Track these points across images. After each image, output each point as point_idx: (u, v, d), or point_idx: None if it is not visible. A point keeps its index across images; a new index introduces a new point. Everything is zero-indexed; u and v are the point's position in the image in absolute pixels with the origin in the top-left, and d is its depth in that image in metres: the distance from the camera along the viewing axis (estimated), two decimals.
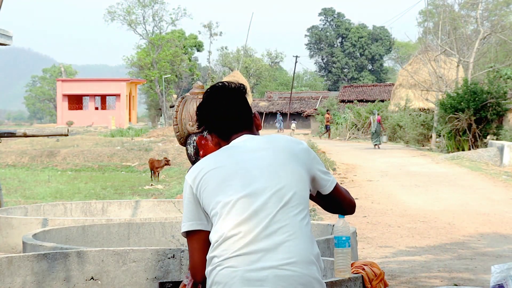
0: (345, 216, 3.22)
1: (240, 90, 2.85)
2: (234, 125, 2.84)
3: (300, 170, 2.73)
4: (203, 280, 2.70)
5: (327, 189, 2.83)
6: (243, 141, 2.80)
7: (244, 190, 2.64)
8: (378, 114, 33.37)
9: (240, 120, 2.84)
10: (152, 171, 23.34)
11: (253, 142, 2.79)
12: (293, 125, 51.43)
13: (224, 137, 2.85)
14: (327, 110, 46.64)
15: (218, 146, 2.87)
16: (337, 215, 3.21)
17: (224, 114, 2.82)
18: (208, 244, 2.70)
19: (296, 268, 2.59)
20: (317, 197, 2.88)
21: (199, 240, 2.72)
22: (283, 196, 2.65)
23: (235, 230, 2.59)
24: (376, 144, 31.83)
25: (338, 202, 2.90)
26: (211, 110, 2.83)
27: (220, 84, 2.86)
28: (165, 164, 23.22)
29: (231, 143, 2.81)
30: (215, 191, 2.68)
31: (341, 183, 18.95)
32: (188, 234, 2.75)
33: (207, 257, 2.67)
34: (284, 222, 2.62)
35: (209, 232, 2.71)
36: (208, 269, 2.65)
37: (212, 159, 2.75)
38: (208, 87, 2.89)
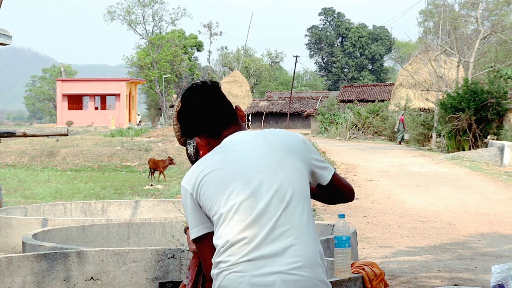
0: (345, 216, 3.22)
1: (216, 85, 2.83)
2: (222, 120, 2.78)
3: (299, 165, 2.70)
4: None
5: (326, 179, 2.81)
6: (236, 138, 2.75)
7: (245, 193, 2.61)
8: (402, 115, 36.38)
9: (226, 115, 2.79)
10: (153, 170, 23.31)
11: (247, 139, 2.74)
12: None
13: (215, 135, 2.79)
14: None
15: (208, 147, 2.80)
16: (337, 215, 3.21)
17: (210, 111, 2.78)
18: None
19: (303, 272, 2.57)
20: (317, 189, 2.86)
21: (210, 243, 2.68)
22: (284, 196, 2.63)
23: (240, 235, 2.57)
24: (399, 141, 35.55)
25: (338, 190, 2.88)
26: (195, 110, 2.78)
27: (194, 85, 2.83)
28: (170, 163, 23.19)
29: (224, 141, 2.76)
30: (215, 195, 2.64)
31: None
32: (198, 240, 2.72)
33: (213, 261, 2.64)
34: (288, 225, 2.60)
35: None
36: (214, 271, 2.63)
37: (208, 161, 2.70)
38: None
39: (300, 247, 2.59)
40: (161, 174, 23.28)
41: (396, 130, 36.68)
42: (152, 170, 23.39)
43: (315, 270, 2.61)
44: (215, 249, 2.64)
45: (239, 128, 2.82)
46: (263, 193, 2.62)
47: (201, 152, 3.21)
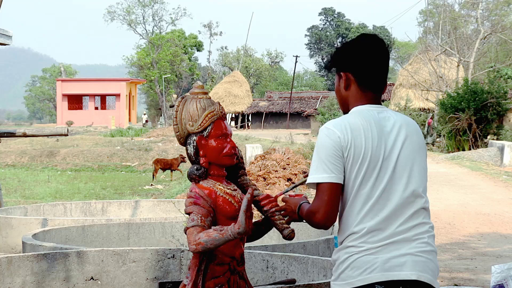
0: None
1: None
2: (385, 81, 2.96)
3: (425, 165, 2.94)
4: (329, 226, 2.86)
5: None
6: (386, 118, 2.88)
7: (387, 184, 2.78)
8: (431, 117, 35.60)
9: (385, 77, 2.97)
10: (164, 169, 23.16)
11: (396, 123, 2.88)
12: None
13: (376, 88, 2.93)
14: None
15: (345, 90, 2.93)
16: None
17: (387, 63, 2.96)
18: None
19: (429, 256, 2.83)
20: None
21: (337, 192, 2.80)
22: (417, 196, 2.84)
23: (377, 225, 2.76)
24: (427, 143, 34.49)
25: None
26: (380, 54, 2.92)
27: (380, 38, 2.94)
28: (182, 161, 23.00)
29: (376, 116, 2.86)
30: (359, 167, 2.78)
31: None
32: (322, 184, 2.79)
33: (343, 242, 2.81)
34: (418, 221, 2.83)
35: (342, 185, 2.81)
36: (341, 252, 2.80)
37: (360, 124, 2.81)
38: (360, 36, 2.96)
39: (427, 238, 2.84)
40: (175, 171, 23.17)
41: (424, 133, 35.48)
42: (162, 169, 23.22)
43: (436, 257, 2.89)
44: (339, 198, 2.80)
45: (379, 100, 2.98)
46: (401, 191, 2.81)
47: (201, 152, 3.21)
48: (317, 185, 2.82)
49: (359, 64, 2.92)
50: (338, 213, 2.85)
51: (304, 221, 3.04)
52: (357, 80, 2.92)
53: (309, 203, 3.04)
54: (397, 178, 2.82)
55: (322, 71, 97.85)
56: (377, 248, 2.75)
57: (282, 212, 3.17)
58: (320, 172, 2.78)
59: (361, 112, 2.88)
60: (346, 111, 2.98)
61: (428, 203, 2.90)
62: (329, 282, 4.55)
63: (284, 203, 3.18)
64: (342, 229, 2.85)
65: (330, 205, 2.78)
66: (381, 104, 2.97)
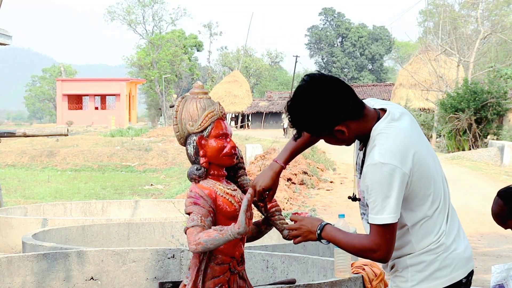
0: (345, 216, 3.22)
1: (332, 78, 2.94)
2: (358, 100, 2.88)
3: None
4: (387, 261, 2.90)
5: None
6: (410, 123, 2.86)
7: (442, 189, 2.91)
8: None
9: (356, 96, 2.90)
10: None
11: (413, 120, 2.91)
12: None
13: (360, 115, 2.83)
14: None
15: (353, 135, 2.85)
16: (337, 215, 3.21)
17: (347, 89, 2.82)
18: None
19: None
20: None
21: (396, 227, 2.81)
22: (449, 199, 2.97)
23: (442, 229, 2.87)
24: None
25: None
26: (343, 92, 2.80)
27: (307, 78, 2.82)
28: None
29: (404, 122, 2.84)
30: (426, 180, 2.83)
31: (341, 183, 18.95)
32: (390, 226, 2.79)
33: (427, 248, 2.86)
34: (456, 223, 2.97)
35: None
36: (424, 255, 2.86)
37: (409, 139, 2.80)
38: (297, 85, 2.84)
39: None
40: None
41: None
42: None
43: None
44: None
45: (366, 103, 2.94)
46: (446, 191, 2.97)
47: (201, 152, 3.21)
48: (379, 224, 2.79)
49: (343, 107, 2.79)
50: (414, 227, 2.89)
51: (325, 242, 2.98)
52: (352, 118, 2.82)
53: (331, 224, 2.97)
54: (438, 170, 2.94)
55: (322, 71, 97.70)
56: (453, 244, 2.88)
57: (293, 231, 3.04)
58: (386, 213, 2.74)
59: (393, 128, 2.81)
60: (365, 138, 2.88)
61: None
62: (329, 282, 4.55)
63: (294, 222, 3.04)
64: (419, 236, 2.88)
65: (392, 242, 2.80)
66: (375, 108, 2.91)
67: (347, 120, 2.80)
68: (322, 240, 2.97)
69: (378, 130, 2.81)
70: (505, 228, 4.25)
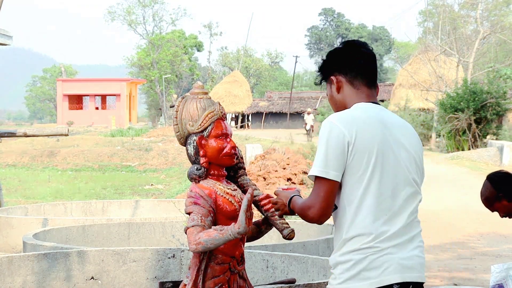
0: None
1: None
2: (371, 73, 2.98)
3: (422, 165, 3.02)
4: (322, 222, 2.85)
5: None
6: (388, 115, 2.91)
7: (393, 180, 2.81)
8: None
9: (375, 72, 3.01)
10: None
11: (397, 122, 2.93)
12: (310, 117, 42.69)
13: (369, 82, 2.96)
14: None
15: (338, 93, 2.95)
16: None
17: (374, 61, 3.00)
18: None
19: (423, 255, 2.99)
20: None
21: (334, 190, 2.79)
22: (417, 193, 2.92)
23: (387, 225, 2.79)
24: None
25: None
26: (365, 52, 2.96)
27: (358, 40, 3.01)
28: None
29: (379, 113, 2.88)
30: (367, 162, 2.77)
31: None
32: (320, 179, 2.78)
33: (349, 242, 2.79)
34: (414, 218, 2.92)
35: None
36: (353, 254, 2.78)
37: (365, 118, 2.82)
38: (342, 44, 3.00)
39: (420, 235, 2.96)
40: None
41: None
42: None
43: None
44: (335, 194, 2.79)
45: (376, 98, 3.02)
46: (401, 192, 2.86)
47: (201, 152, 3.23)
48: (315, 180, 2.80)
49: (346, 62, 2.95)
50: (340, 211, 2.82)
51: (295, 214, 3.03)
52: (349, 79, 2.94)
53: (300, 196, 3.02)
54: (401, 174, 2.83)
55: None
56: (389, 248, 2.77)
57: (275, 205, 3.16)
58: (321, 167, 2.76)
59: (365, 108, 2.88)
60: None
61: (421, 201, 2.95)
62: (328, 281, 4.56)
63: (276, 196, 3.17)
64: (347, 228, 2.80)
65: (326, 201, 2.77)
66: (379, 104, 2.97)
67: (342, 75, 2.95)
68: (294, 213, 3.05)
69: (356, 105, 2.92)
70: (492, 211, 4.33)
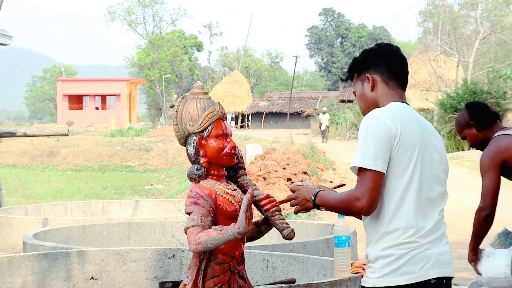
0: (345, 216, 3.22)
1: None
2: (405, 76, 3.06)
3: (447, 167, 3.10)
4: (370, 214, 2.87)
5: None
6: (419, 116, 2.98)
7: (429, 179, 2.90)
8: None
9: (407, 76, 3.07)
10: None
11: (427, 122, 3.02)
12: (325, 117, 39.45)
13: (402, 85, 3.02)
14: None
15: (371, 90, 3.01)
16: (337, 215, 3.22)
17: (407, 65, 3.07)
18: None
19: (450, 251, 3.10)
20: None
21: (381, 181, 2.82)
22: (445, 194, 3.07)
23: (425, 221, 2.89)
24: None
25: None
26: (400, 56, 3.04)
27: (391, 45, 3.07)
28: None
29: (414, 113, 2.96)
30: (410, 156, 2.85)
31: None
32: (368, 171, 2.82)
33: (387, 236, 2.84)
34: (442, 217, 3.04)
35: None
36: (394, 248, 2.82)
37: (406, 115, 2.90)
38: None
39: (446, 233, 3.06)
40: None
41: None
42: None
43: None
44: (381, 185, 2.83)
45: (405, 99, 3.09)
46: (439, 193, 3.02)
47: (201, 152, 3.23)
48: (361, 172, 2.83)
49: (383, 62, 3.01)
50: (380, 203, 2.86)
51: (322, 209, 3.04)
52: (384, 79, 3.00)
53: (324, 190, 3.05)
54: (435, 173, 2.93)
55: (322, 71, 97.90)
56: (427, 243, 2.84)
57: (292, 201, 3.16)
58: (368, 159, 2.80)
59: (403, 107, 2.95)
60: None
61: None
62: (329, 281, 4.57)
63: (293, 193, 3.16)
64: (389, 221, 2.84)
65: (375, 192, 2.80)
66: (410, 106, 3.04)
67: (378, 74, 3.01)
68: (319, 207, 3.05)
69: (393, 103, 2.98)
70: (461, 138, 4.55)
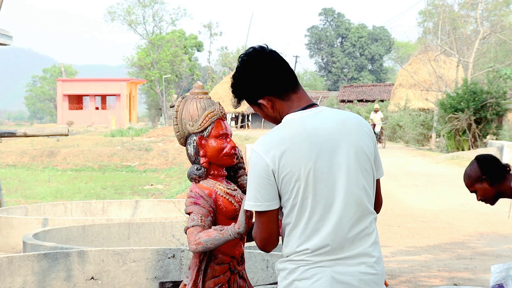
0: None
1: (274, 51, 2.83)
2: (292, 78, 2.79)
3: (369, 166, 2.78)
4: (269, 251, 2.78)
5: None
6: (321, 122, 2.72)
7: (326, 197, 2.68)
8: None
9: (292, 77, 2.79)
10: None
11: (333, 126, 2.72)
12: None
13: (294, 85, 2.79)
14: None
15: (272, 110, 2.78)
16: None
17: (281, 67, 2.79)
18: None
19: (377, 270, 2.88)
20: None
21: (271, 218, 2.71)
22: (361, 204, 2.77)
23: (323, 242, 2.68)
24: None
25: None
26: (265, 66, 2.77)
27: (251, 49, 2.81)
28: None
29: (308, 123, 2.71)
30: (296, 186, 2.66)
31: None
32: (256, 212, 2.72)
33: (291, 257, 2.71)
34: (361, 231, 2.83)
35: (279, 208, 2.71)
36: (287, 263, 2.71)
37: (290, 138, 2.67)
38: (240, 56, 2.81)
39: (372, 249, 2.87)
40: None
41: None
42: None
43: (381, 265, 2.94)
44: (276, 220, 2.71)
45: (307, 97, 2.81)
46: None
47: (201, 152, 3.23)
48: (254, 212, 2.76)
49: (267, 82, 2.77)
50: (284, 231, 2.76)
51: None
52: (276, 96, 2.78)
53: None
54: (341, 186, 2.70)
55: (322, 71, 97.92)
56: (324, 262, 2.68)
57: None
58: (251, 200, 2.70)
59: (292, 121, 2.73)
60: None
61: (375, 212, 2.85)
62: None
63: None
64: (287, 246, 2.75)
65: (265, 232, 2.72)
66: (312, 103, 2.82)
67: (270, 95, 2.78)
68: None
69: (284, 119, 2.78)
70: (470, 191, 4.43)
